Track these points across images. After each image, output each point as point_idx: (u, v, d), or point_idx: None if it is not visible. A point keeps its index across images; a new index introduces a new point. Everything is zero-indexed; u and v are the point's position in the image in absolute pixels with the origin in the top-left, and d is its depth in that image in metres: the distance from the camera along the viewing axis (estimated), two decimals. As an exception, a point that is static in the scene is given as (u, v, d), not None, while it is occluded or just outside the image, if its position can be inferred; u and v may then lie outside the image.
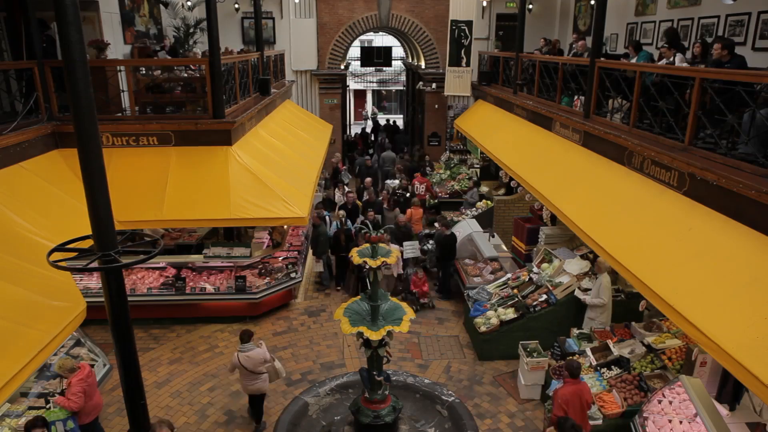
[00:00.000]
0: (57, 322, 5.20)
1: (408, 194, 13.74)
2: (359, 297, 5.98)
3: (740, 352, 4.09)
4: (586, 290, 8.29)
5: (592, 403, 6.18)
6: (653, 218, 6.14)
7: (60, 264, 4.16)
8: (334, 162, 15.94)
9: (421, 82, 18.74)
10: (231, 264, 9.67)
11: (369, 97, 37.16)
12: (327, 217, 11.69)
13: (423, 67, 18.22)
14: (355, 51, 24.02)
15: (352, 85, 32.09)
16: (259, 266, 10.05)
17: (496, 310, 8.74)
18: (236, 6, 16.64)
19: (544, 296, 8.51)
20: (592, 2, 13.81)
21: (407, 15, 17.27)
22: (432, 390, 6.71)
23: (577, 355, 7.57)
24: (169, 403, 7.63)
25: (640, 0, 12.42)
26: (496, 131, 13.21)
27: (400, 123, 26.47)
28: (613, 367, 7.17)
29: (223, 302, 9.53)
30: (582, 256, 8.94)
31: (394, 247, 9.25)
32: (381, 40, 28.47)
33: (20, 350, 4.63)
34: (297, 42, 17.09)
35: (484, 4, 16.98)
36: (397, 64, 27.25)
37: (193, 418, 7.35)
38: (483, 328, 8.51)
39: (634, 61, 8.65)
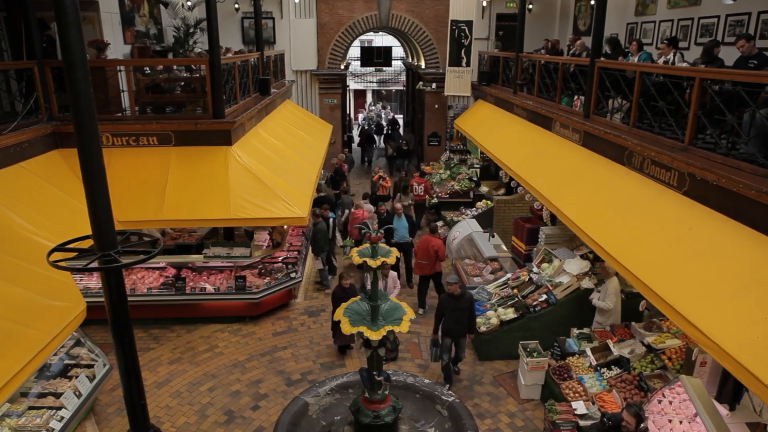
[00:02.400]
0: (57, 322, 5.20)
1: None
2: (359, 297, 5.98)
3: (740, 352, 4.09)
4: (588, 290, 8.29)
5: (437, 250, 9.69)
6: (653, 218, 6.14)
7: (60, 264, 4.15)
8: (334, 163, 15.88)
9: (421, 82, 18.73)
10: (231, 264, 9.67)
11: (369, 97, 37.13)
12: (332, 220, 11.67)
13: (423, 67, 18.21)
14: (355, 51, 24.01)
15: (352, 85, 32.08)
16: (259, 266, 10.05)
17: (496, 310, 8.74)
18: (236, 6, 16.63)
19: (544, 296, 8.51)
20: (592, 2, 13.81)
21: (407, 15, 17.26)
22: (432, 390, 6.70)
23: (577, 355, 7.58)
24: (169, 403, 7.63)
25: (640, 0, 12.43)
26: (496, 131, 13.20)
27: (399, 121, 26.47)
28: (613, 367, 7.17)
29: (223, 302, 9.52)
30: (582, 256, 8.93)
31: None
32: (381, 40, 28.44)
33: (20, 350, 4.63)
34: (297, 42, 17.09)
35: (484, 4, 16.97)
36: (397, 64, 27.25)
37: (193, 418, 7.35)
38: (483, 328, 8.51)
39: (635, 59, 8.65)
